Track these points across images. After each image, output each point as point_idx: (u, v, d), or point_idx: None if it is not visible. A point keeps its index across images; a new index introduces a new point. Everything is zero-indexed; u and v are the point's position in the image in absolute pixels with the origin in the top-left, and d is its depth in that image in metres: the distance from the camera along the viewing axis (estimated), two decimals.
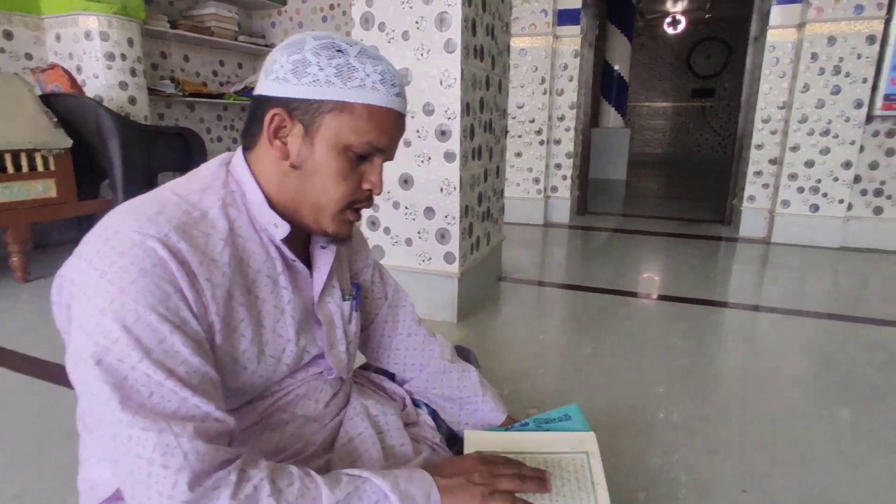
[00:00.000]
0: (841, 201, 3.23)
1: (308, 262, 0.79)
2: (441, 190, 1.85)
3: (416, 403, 1.03)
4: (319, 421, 0.82)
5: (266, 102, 0.68)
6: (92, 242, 0.60)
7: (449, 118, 1.80)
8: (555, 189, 4.00)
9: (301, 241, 0.78)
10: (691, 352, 1.75)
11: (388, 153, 0.73)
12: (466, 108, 1.84)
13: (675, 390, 1.49)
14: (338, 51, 0.66)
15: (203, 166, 0.73)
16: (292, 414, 0.78)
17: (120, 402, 0.55)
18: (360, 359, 1.07)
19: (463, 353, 1.14)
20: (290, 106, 0.67)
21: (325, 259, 0.80)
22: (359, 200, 0.72)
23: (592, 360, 1.67)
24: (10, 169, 2.32)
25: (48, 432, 1.29)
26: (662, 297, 2.33)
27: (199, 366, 0.59)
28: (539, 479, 0.76)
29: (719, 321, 2.07)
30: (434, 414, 1.03)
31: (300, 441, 0.79)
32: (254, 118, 0.71)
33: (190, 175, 0.72)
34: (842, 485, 1.11)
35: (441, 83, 1.78)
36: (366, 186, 0.72)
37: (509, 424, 1.00)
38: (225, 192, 0.69)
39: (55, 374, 1.58)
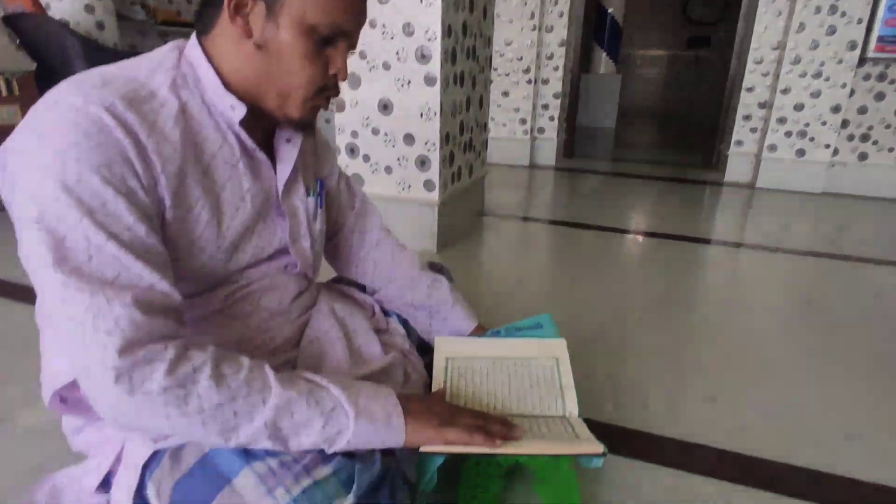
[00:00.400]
0: (827, 146, 3.21)
1: (271, 156, 0.76)
2: (421, 115, 1.80)
3: (385, 312, 1.02)
4: (285, 316, 0.80)
5: None
6: (34, 112, 0.57)
7: (429, 40, 1.72)
8: (542, 130, 3.93)
9: (263, 134, 0.75)
10: (670, 283, 1.76)
11: (352, 39, 0.69)
12: (448, 31, 1.76)
13: (650, 317, 1.50)
14: None
15: (153, 51, 0.68)
16: (256, 305, 0.76)
17: (56, 262, 0.52)
18: (328, 274, 1.05)
19: (436, 268, 1.12)
20: None
21: (289, 153, 0.77)
22: (326, 87, 0.70)
23: (571, 289, 1.68)
24: None
25: (8, 350, 1.27)
26: (645, 234, 2.33)
27: (144, 235, 0.57)
28: (505, 424, 0.70)
29: (700, 256, 2.08)
30: (405, 323, 1.02)
31: (265, 333, 0.77)
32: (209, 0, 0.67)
33: (138, 57, 0.67)
34: (806, 399, 1.13)
35: (421, 1, 1.70)
36: (332, 71, 0.68)
37: (480, 333, 1.00)
38: (176, 72, 0.65)
39: (13, 291, 1.55)
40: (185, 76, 0.66)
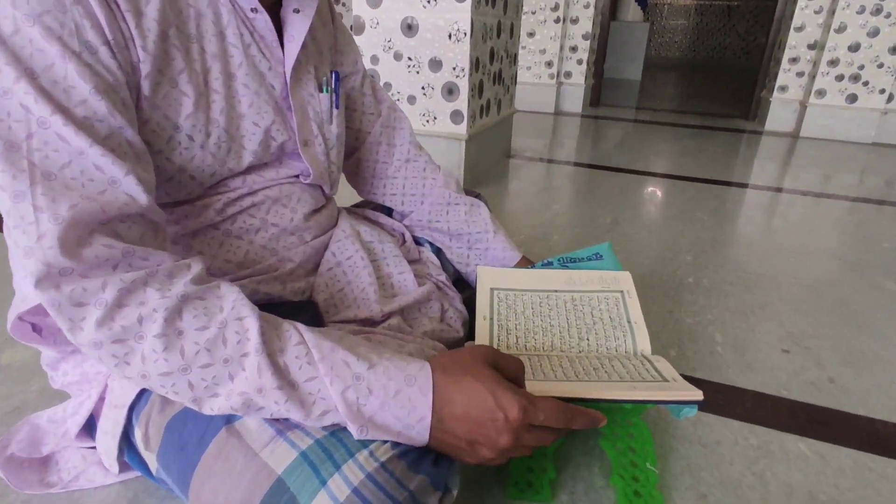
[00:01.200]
0: (882, 91, 2.96)
1: (278, 31, 0.60)
2: (450, 36, 1.61)
3: (417, 241, 0.88)
4: (298, 235, 0.66)
5: None
6: None
7: None
8: (568, 75, 3.68)
9: (269, 2, 0.58)
10: (719, 226, 1.59)
11: None
12: None
13: (703, 258, 1.35)
14: None
15: None
16: (263, 220, 0.62)
17: None
18: (354, 198, 0.91)
19: (472, 195, 0.97)
20: None
21: (298, 26, 0.61)
22: None
23: (612, 230, 1.52)
24: None
25: None
26: (683, 178, 2.15)
27: (106, 114, 0.42)
28: (586, 415, 0.51)
29: (746, 201, 1.90)
30: (439, 253, 0.88)
31: (274, 255, 0.63)
32: None
33: None
34: (893, 347, 0.98)
35: None
36: None
37: (525, 266, 0.86)
38: None
39: None
40: None
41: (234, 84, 0.55)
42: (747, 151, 2.81)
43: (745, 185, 2.08)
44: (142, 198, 0.43)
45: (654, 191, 1.97)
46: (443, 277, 0.83)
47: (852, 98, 3.01)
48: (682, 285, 1.20)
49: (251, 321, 0.42)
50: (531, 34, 3.47)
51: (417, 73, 1.68)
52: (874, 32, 2.88)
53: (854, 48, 2.93)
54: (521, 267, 0.85)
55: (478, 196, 0.99)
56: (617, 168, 2.24)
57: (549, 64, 3.52)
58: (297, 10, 0.61)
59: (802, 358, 0.94)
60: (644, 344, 0.70)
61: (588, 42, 3.58)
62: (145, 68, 0.47)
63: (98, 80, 0.42)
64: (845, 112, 3.04)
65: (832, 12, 2.96)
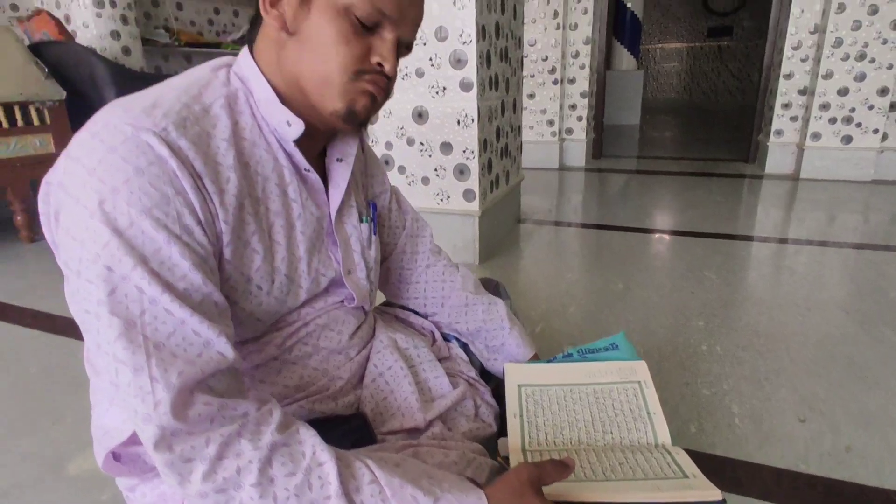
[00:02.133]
0: (875, 131, 3.06)
1: (323, 177, 0.70)
2: (458, 122, 1.73)
3: (445, 337, 0.96)
4: (345, 353, 0.74)
5: None
6: (79, 139, 0.51)
7: (464, 43, 1.66)
8: (570, 131, 3.83)
9: (315, 154, 0.68)
10: (727, 284, 1.66)
11: (400, 26, 0.61)
12: (482, 32, 1.70)
13: (715, 322, 1.40)
14: None
15: (199, 67, 0.63)
16: (315, 346, 0.70)
17: (107, 321, 0.47)
18: (380, 298, 0.99)
19: (491, 285, 1.05)
20: None
21: (341, 173, 0.70)
22: (367, 70, 0.60)
23: (624, 296, 1.59)
24: (5, 124, 2.21)
25: (59, 386, 1.23)
26: (689, 234, 2.22)
27: (200, 284, 0.51)
28: None
29: (752, 254, 1.97)
30: (465, 347, 0.95)
31: (325, 376, 0.71)
32: (256, 12, 0.62)
33: (186, 73, 0.62)
34: None
35: (454, 3, 1.63)
36: (373, 59, 0.60)
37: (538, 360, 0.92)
38: (227, 89, 0.59)
39: (64, 327, 1.52)
40: (237, 92, 0.60)
41: (294, 233, 0.64)
42: (749, 198, 2.90)
43: (749, 238, 2.14)
44: (230, 354, 0.51)
45: (662, 250, 2.04)
46: (473, 373, 0.89)
47: (847, 139, 3.11)
48: (697, 354, 1.25)
49: (330, 466, 0.49)
50: (531, 96, 3.64)
51: (430, 156, 1.80)
52: (861, 77, 3.00)
53: (843, 92, 3.05)
54: (533, 360, 0.92)
55: (496, 286, 1.06)
56: (624, 227, 2.32)
57: (551, 122, 3.67)
58: (339, 160, 0.71)
59: (818, 425, 0.98)
60: (664, 435, 0.76)
61: (586, 99, 3.74)
62: (226, 237, 0.56)
63: (194, 256, 0.51)
64: (842, 153, 3.13)
65: (818, 60, 3.09)
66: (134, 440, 0.61)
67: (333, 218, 0.70)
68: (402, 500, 0.49)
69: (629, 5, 6.57)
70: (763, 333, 1.34)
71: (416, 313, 0.97)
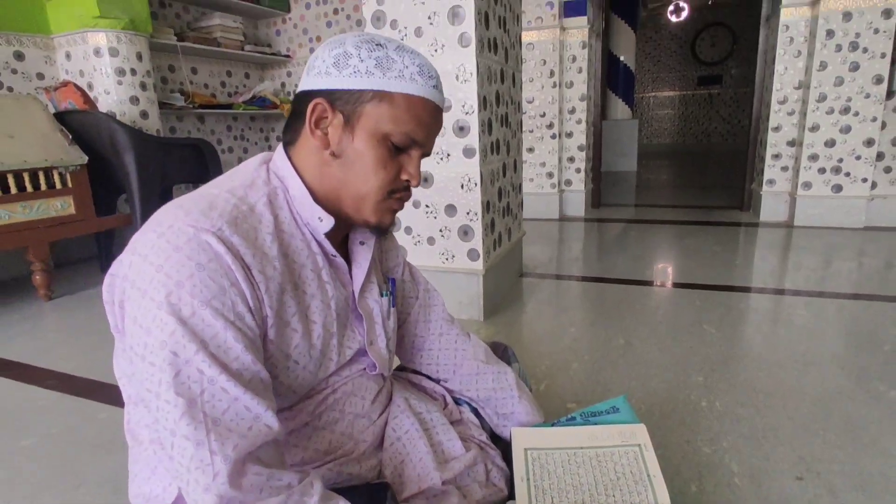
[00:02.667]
0: (864, 180, 3.16)
1: (346, 258, 0.78)
2: (462, 186, 1.83)
3: (457, 401, 1.01)
4: (367, 417, 0.81)
5: (308, 95, 0.69)
6: (145, 238, 0.60)
7: (467, 113, 1.78)
8: (569, 182, 3.96)
9: (339, 239, 0.77)
10: (726, 338, 1.71)
11: (426, 146, 0.73)
12: (483, 103, 1.82)
13: (714, 378, 1.45)
14: (377, 45, 0.67)
15: (242, 165, 0.73)
16: (342, 412, 0.77)
17: (172, 401, 0.54)
18: (395, 362, 1.05)
19: (499, 349, 1.11)
20: (333, 96, 0.67)
21: (363, 255, 0.80)
22: (397, 189, 0.72)
23: (626, 352, 1.64)
24: (29, 188, 2.32)
25: (80, 448, 1.28)
26: (688, 286, 2.29)
27: (250, 363, 0.58)
28: None
29: (752, 306, 2.03)
30: (476, 411, 1.01)
31: (351, 440, 0.78)
32: (295, 113, 0.71)
33: (231, 173, 0.72)
34: None
35: (457, 78, 1.76)
36: (404, 177, 0.72)
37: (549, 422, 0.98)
38: (268, 188, 0.69)
39: (85, 389, 1.57)
40: (276, 190, 0.70)
41: (329, 312, 0.72)
42: (746, 247, 2.97)
43: (747, 289, 2.21)
44: (276, 425, 0.58)
45: (662, 303, 2.10)
46: (483, 437, 0.95)
47: (837, 188, 3.21)
48: (698, 410, 1.30)
49: None
50: (531, 150, 3.78)
51: (435, 218, 1.89)
52: (846, 129, 3.13)
53: (830, 144, 3.17)
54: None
55: (504, 349, 1.13)
56: (623, 280, 2.39)
57: (550, 175, 3.80)
58: (362, 243, 0.80)
59: (815, 485, 1.02)
60: (663, 498, 0.81)
61: (583, 152, 3.88)
62: (270, 320, 0.64)
63: (245, 339, 0.59)
64: (833, 201, 3.23)
65: (804, 114, 3.23)
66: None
67: (357, 295, 0.78)
68: None
69: (622, 58, 6.85)
70: (761, 390, 1.39)
71: (430, 378, 1.03)
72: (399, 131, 0.68)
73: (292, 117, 0.72)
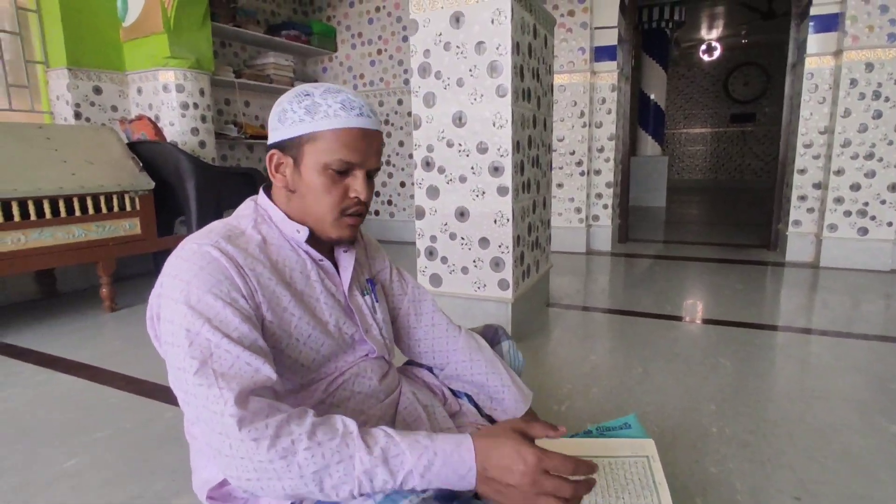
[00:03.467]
0: (890, 224, 3.21)
1: (335, 264, 0.96)
2: (495, 221, 2.00)
3: (455, 394, 1.14)
4: (375, 397, 0.95)
5: (269, 149, 0.89)
6: (168, 262, 0.81)
7: (501, 156, 1.95)
8: (596, 218, 4.09)
9: (327, 249, 0.95)
10: (740, 372, 1.81)
11: (365, 165, 0.87)
12: (517, 146, 1.99)
13: (726, 407, 1.56)
14: (305, 95, 0.85)
15: (240, 207, 0.95)
16: (351, 391, 0.92)
17: (189, 365, 0.71)
18: (401, 359, 1.20)
19: (491, 331, 1.24)
20: (282, 146, 0.87)
21: (347, 259, 0.97)
22: (348, 207, 0.88)
23: (643, 380, 1.76)
24: (104, 209, 2.59)
25: (152, 440, 1.46)
26: (709, 321, 2.39)
27: (248, 332, 0.75)
28: (585, 463, 0.75)
29: (768, 343, 2.12)
30: (471, 399, 1.14)
31: (362, 415, 0.93)
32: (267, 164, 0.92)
33: (232, 214, 0.94)
34: (888, 490, 1.16)
35: (493, 124, 1.94)
36: (351, 195, 0.88)
37: (534, 418, 1.10)
38: (256, 215, 0.90)
39: (151, 391, 1.77)
40: (262, 216, 0.90)
41: (319, 305, 0.90)
42: (770, 286, 3.04)
43: (765, 327, 2.29)
44: (273, 375, 0.74)
45: (681, 336, 2.21)
46: (484, 421, 1.08)
47: (863, 231, 3.27)
48: (707, 435, 1.41)
49: (356, 432, 0.70)
50: (560, 185, 3.94)
51: (469, 249, 2.05)
52: (871, 174, 3.20)
53: (855, 188, 3.24)
54: (529, 419, 1.08)
55: (496, 329, 1.26)
56: (646, 313, 2.51)
57: (578, 210, 3.94)
58: (345, 251, 0.97)
59: None
60: (667, 502, 0.93)
61: (611, 189, 4.02)
62: (265, 305, 0.81)
63: (241, 314, 0.76)
64: (858, 244, 3.28)
65: (829, 157, 3.32)
66: (223, 483, 0.84)
67: (347, 293, 0.96)
68: (405, 437, 0.70)
69: (652, 97, 7.00)
70: (769, 419, 1.49)
71: (431, 371, 1.17)
72: (334, 159, 0.84)
73: (267, 168, 0.92)
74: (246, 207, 0.92)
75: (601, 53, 3.82)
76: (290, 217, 0.90)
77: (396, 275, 1.14)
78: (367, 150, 0.87)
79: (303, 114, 0.84)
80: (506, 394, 1.11)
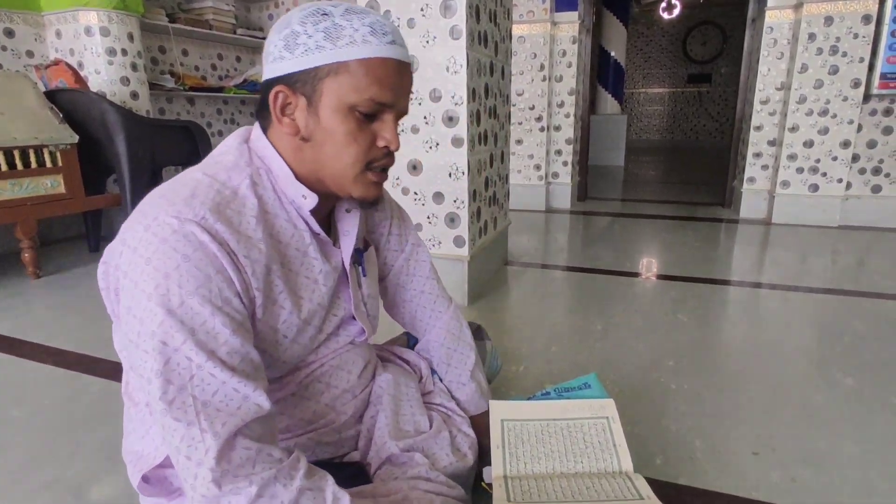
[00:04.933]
0: (840, 180, 3.26)
1: (329, 233, 0.81)
2: (449, 175, 1.88)
3: (432, 371, 1.06)
4: (352, 392, 0.85)
5: (270, 85, 0.69)
6: (133, 230, 0.62)
7: (456, 104, 1.82)
8: (556, 175, 4.02)
9: (325, 212, 0.79)
10: (698, 327, 1.79)
11: (398, 107, 0.71)
12: (472, 94, 1.86)
13: (684, 363, 1.53)
14: (323, 14, 0.66)
15: (222, 145, 0.74)
16: (328, 384, 0.81)
17: (160, 387, 0.57)
18: (383, 336, 1.10)
19: (472, 329, 1.16)
20: (291, 80, 0.67)
21: (350, 222, 0.82)
22: (376, 159, 0.72)
23: (603, 338, 1.71)
24: (19, 165, 2.33)
25: (73, 418, 1.32)
26: (667, 277, 2.37)
27: (239, 346, 0.61)
28: None
29: (724, 299, 2.11)
30: None
31: (333, 411, 0.82)
32: (263, 103, 0.72)
33: (213, 155, 0.74)
34: (847, 444, 1.15)
35: (447, 70, 1.80)
36: (380, 144, 0.71)
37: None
38: (251, 169, 0.70)
39: (76, 363, 1.61)
40: (259, 170, 0.71)
41: (318, 287, 0.76)
42: (725, 243, 3.07)
43: (723, 282, 2.29)
44: (265, 404, 0.61)
45: (640, 293, 2.18)
46: (452, 404, 1.00)
47: (814, 188, 3.31)
48: (666, 392, 1.37)
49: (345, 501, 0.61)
50: (519, 142, 3.84)
51: (423, 205, 1.94)
52: (824, 131, 3.23)
53: (808, 145, 3.27)
54: (479, 419, 1.01)
55: (478, 328, 1.19)
56: (605, 270, 2.47)
57: (538, 167, 3.86)
58: (347, 210, 0.82)
59: (769, 459, 1.10)
60: (627, 464, 0.88)
61: (571, 146, 3.94)
62: (258, 300, 0.67)
63: (233, 323, 0.61)
64: (810, 200, 3.33)
65: (784, 114, 3.32)
66: (164, 464, 0.71)
67: (348, 263, 0.81)
68: None
69: (612, 54, 6.91)
70: (727, 374, 1.47)
71: (410, 349, 1.08)
72: (363, 99, 0.66)
73: (261, 107, 0.73)
74: (237, 153, 0.71)
75: (561, 3, 3.67)
76: (296, 174, 0.71)
77: (396, 228, 0.98)
78: (400, 87, 0.69)
79: (321, 38, 0.65)
80: (462, 392, 1.03)
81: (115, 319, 0.69)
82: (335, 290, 0.80)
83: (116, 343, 0.72)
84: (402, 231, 1.00)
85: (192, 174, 0.68)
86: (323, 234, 0.77)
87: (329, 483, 0.62)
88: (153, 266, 0.59)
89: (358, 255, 0.87)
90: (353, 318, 0.85)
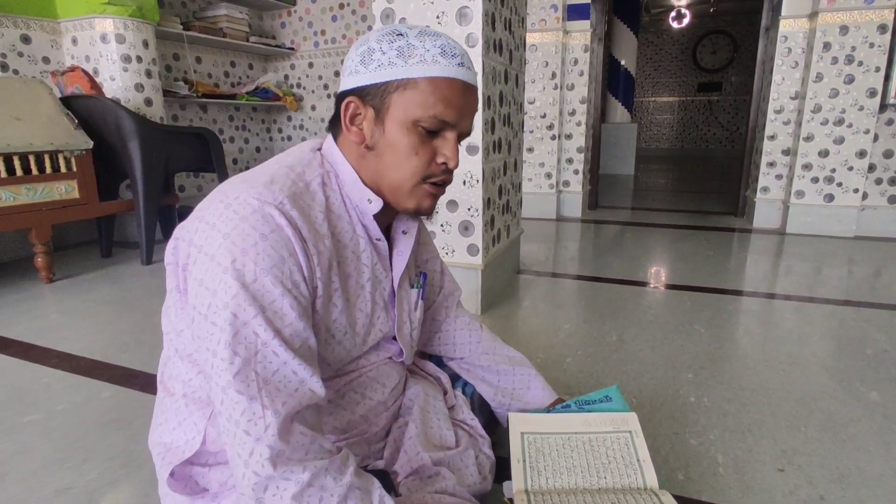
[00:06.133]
0: (856, 191, 3.22)
1: (389, 245, 0.83)
2: (464, 183, 1.87)
3: (455, 386, 1.06)
4: (384, 404, 0.85)
5: (343, 96, 0.73)
6: (213, 207, 0.64)
7: None
8: (567, 184, 4.01)
9: (384, 226, 0.81)
10: (715, 339, 1.76)
11: (460, 126, 0.73)
12: (487, 102, 1.86)
13: (703, 375, 1.50)
14: (398, 34, 0.70)
15: (295, 149, 0.78)
16: (363, 395, 0.81)
17: (228, 358, 0.58)
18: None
19: None
20: (362, 93, 0.71)
21: (405, 243, 0.84)
22: (433, 174, 0.73)
23: (619, 348, 1.69)
24: (34, 170, 2.35)
25: (86, 424, 1.31)
26: (680, 287, 2.34)
27: (301, 330, 0.63)
28: None
29: (740, 309, 2.08)
30: (474, 395, 1.06)
31: (366, 422, 0.82)
32: (336, 113, 0.75)
33: (287, 153, 0.77)
34: (876, 462, 1.12)
35: None
36: (439, 160, 0.73)
37: (552, 406, 1.03)
38: (322, 171, 0.74)
39: (88, 368, 1.60)
40: (329, 173, 0.74)
41: (363, 293, 0.77)
42: (738, 252, 3.03)
43: (737, 293, 2.26)
44: (320, 391, 0.62)
45: (654, 303, 2.15)
46: (475, 422, 0.99)
47: (829, 197, 3.27)
48: (686, 405, 1.34)
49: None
50: (530, 150, 3.83)
51: (437, 212, 1.93)
52: (839, 140, 3.19)
53: (824, 154, 3.24)
54: (553, 405, 1.02)
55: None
56: (618, 279, 2.44)
57: (549, 175, 3.85)
58: (404, 232, 0.84)
59: (795, 476, 1.07)
60: (652, 480, 0.85)
61: (582, 154, 3.93)
62: (319, 291, 0.68)
63: (300, 307, 0.63)
64: (825, 210, 3.29)
65: (799, 124, 3.29)
66: (192, 461, 0.70)
67: (396, 282, 0.82)
68: None
69: (623, 63, 6.90)
70: (747, 387, 1.44)
71: (433, 362, 1.08)
72: (427, 115, 0.69)
73: (334, 117, 0.77)
74: (311, 155, 0.75)
75: (573, 12, 3.67)
76: (362, 178, 0.74)
77: (440, 265, 1.04)
78: (464, 108, 0.72)
79: (394, 56, 0.68)
80: (534, 382, 1.05)
81: (177, 295, 0.69)
82: (379, 304, 0.81)
83: (166, 324, 0.73)
84: (443, 270, 1.05)
85: (270, 165, 0.72)
86: (383, 241, 0.79)
87: (376, 486, 0.63)
88: (231, 241, 0.61)
89: (421, 278, 0.91)
90: (394, 338, 0.85)
